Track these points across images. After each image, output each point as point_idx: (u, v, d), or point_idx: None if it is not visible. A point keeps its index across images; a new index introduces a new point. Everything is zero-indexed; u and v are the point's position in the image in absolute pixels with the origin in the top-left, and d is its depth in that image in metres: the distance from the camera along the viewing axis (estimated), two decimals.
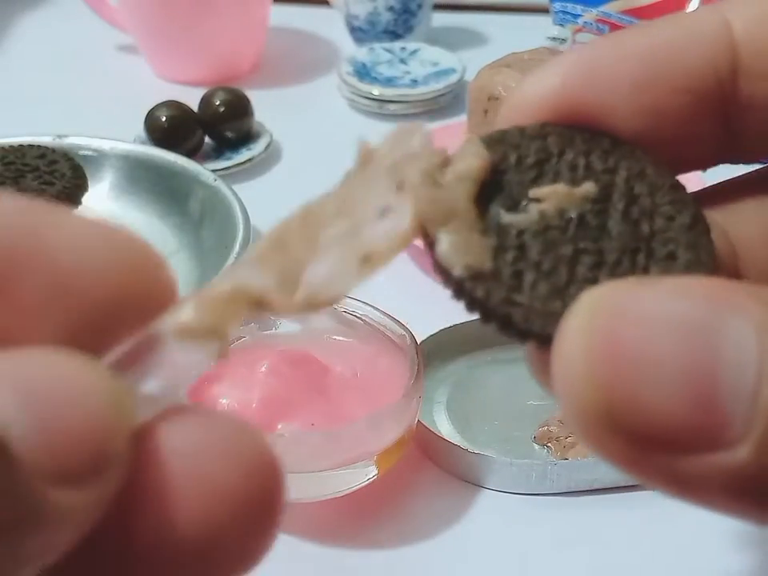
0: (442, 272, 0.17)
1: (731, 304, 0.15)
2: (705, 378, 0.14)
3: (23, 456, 0.13)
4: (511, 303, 0.17)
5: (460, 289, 0.17)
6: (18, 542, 0.13)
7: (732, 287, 0.15)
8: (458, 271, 0.17)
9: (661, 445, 0.14)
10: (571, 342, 0.15)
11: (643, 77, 0.19)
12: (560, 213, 0.18)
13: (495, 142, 0.19)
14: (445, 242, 0.17)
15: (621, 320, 0.15)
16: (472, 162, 0.18)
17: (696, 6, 0.69)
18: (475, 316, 0.17)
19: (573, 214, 0.18)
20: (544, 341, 0.16)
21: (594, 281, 0.17)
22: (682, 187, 0.19)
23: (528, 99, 0.19)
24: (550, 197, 0.18)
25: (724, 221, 0.19)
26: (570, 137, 0.19)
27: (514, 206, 0.18)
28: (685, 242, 0.18)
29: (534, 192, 0.18)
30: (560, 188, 0.18)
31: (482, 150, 0.18)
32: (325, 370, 0.42)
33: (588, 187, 0.18)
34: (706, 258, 0.18)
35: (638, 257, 0.18)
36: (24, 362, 0.13)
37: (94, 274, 0.15)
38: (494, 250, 0.17)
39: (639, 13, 0.71)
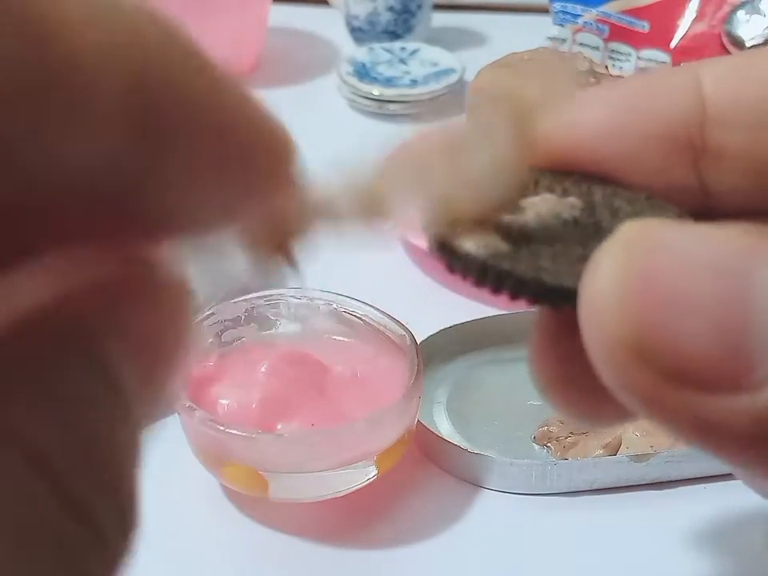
0: (463, 259, 0.18)
1: (765, 251, 0.15)
2: (735, 320, 0.14)
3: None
4: (538, 269, 0.17)
5: (484, 269, 0.18)
6: None
7: (766, 235, 0.15)
8: (481, 252, 0.17)
9: (685, 381, 0.14)
10: (604, 273, 0.15)
11: (616, 122, 0.20)
12: (555, 216, 0.19)
13: None
14: (463, 235, 0.18)
15: (657, 254, 0.15)
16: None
17: (695, 8, 0.69)
18: (502, 296, 0.18)
19: (567, 216, 0.19)
20: (576, 298, 0.16)
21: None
22: (656, 196, 0.20)
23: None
24: (543, 202, 0.19)
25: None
26: (543, 173, 0.20)
27: (511, 211, 0.19)
28: None
29: (526, 201, 0.19)
30: (549, 197, 0.19)
31: None
32: (325, 370, 0.42)
33: (573, 201, 0.19)
34: None
35: None
36: None
37: None
38: (505, 240, 0.18)
39: (639, 13, 0.71)
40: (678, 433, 0.15)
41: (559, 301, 0.17)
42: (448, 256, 0.18)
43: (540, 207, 0.19)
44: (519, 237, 0.18)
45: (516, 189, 0.19)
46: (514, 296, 0.18)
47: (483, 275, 0.18)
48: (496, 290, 0.18)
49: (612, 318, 0.15)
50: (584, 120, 0.20)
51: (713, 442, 0.15)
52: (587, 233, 0.18)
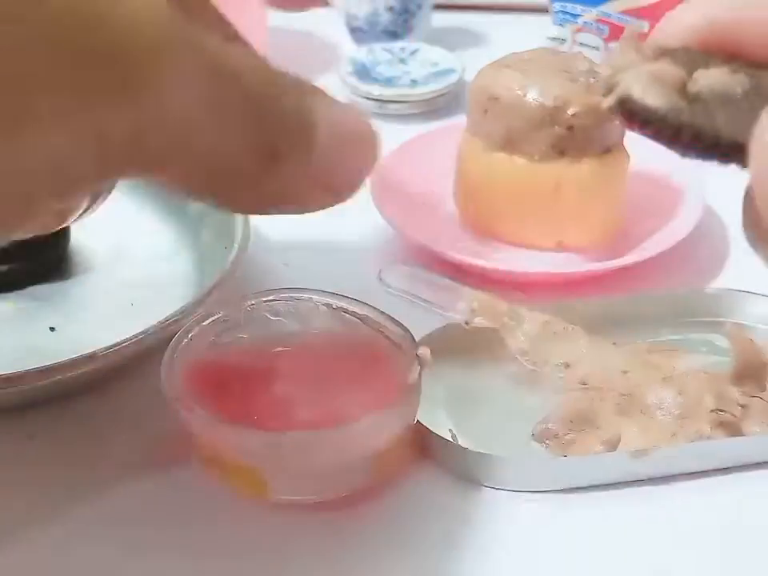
0: (645, 111, 0.21)
1: None
2: None
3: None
4: (713, 123, 0.20)
5: (664, 119, 0.21)
6: None
7: None
8: (662, 104, 0.21)
9: None
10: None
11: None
12: (726, 86, 0.21)
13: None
14: (644, 89, 0.21)
15: None
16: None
17: None
18: (677, 146, 0.21)
19: (737, 88, 0.21)
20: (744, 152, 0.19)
21: None
22: None
23: (679, 28, 0.24)
24: (715, 75, 0.22)
25: None
26: (713, 58, 0.23)
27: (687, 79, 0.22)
28: None
29: (700, 72, 0.22)
30: (720, 71, 0.22)
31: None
32: (324, 370, 0.42)
33: (742, 78, 0.21)
34: None
35: None
36: None
37: None
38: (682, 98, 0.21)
39: (639, 13, 0.71)
40: None
41: (729, 153, 0.19)
42: (630, 108, 0.21)
43: (712, 79, 0.21)
44: (694, 98, 0.21)
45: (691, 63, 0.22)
46: (688, 146, 0.20)
47: (662, 125, 0.21)
48: (673, 140, 0.21)
49: None
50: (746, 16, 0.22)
51: None
52: (755, 103, 0.20)
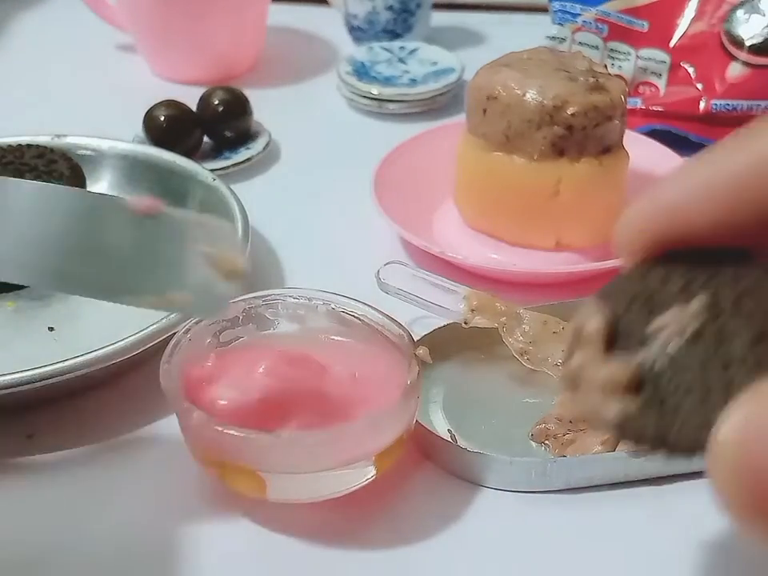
0: (609, 427, 0.20)
1: None
2: None
3: None
4: (672, 430, 0.19)
5: (623, 434, 0.20)
6: None
7: None
8: (612, 419, 0.19)
9: None
10: (721, 446, 0.17)
11: (712, 206, 0.21)
12: (680, 332, 0.20)
13: (607, 295, 0.22)
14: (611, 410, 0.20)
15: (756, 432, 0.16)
16: (591, 325, 0.21)
17: (694, 7, 0.69)
18: (642, 450, 0.20)
19: (690, 330, 0.20)
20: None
21: (728, 384, 0.19)
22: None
23: (624, 241, 0.24)
24: (671, 323, 0.20)
25: None
26: (664, 268, 0.21)
27: (641, 343, 0.19)
28: None
29: (655, 324, 0.20)
30: (676, 312, 0.20)
31: (596, 309, 0.21)
32: (323, 370, 0.42)
33: (699, 301, 0.20)
34: None
35: (762, 345, 0.19)
36: None
37: None
38: (635, 389, 0.19)
39: (638, 12, 0.71)
40: None
41: (691, 454, 0.18)
42: (597, 424, 0.20)
43: (667, 330, 0.20)
44: (649, 381, 0.19)
45: (636, 325, 0.20)
46: (652, 452, 0.19)
47: (626, 440, 0.20)
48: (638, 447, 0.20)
49: (730, 477, 0.17)
50: (677, 201, 0.21)
51: None
52: (710, 353, 0.19)
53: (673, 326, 0.20)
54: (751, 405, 0.17)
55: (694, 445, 0.18)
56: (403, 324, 0.43)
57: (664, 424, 0.19)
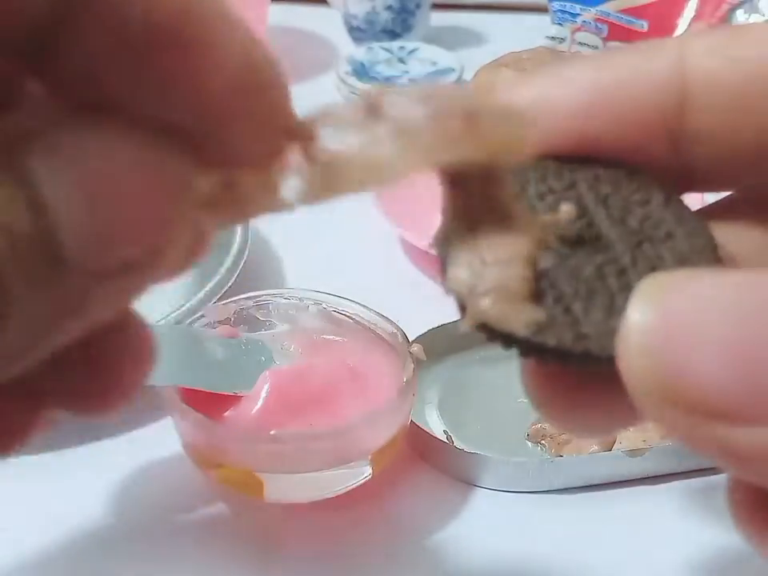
0: (505, 339, 0.18)
1: None
2: (751, 355, 0.15)
3: (70, 243, 0.13)
4: (581, 337, 0.18)
5: (529, 346, 0.18)
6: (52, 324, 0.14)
7: None
8: (522, 332, 0.18)
9: (711, 415, 0.15)
10: (631, 335, 0.16)
11: (594, 105, 0.20)
12: (560, 239, 0.19)
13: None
14: (496, 312, 0.18)
15: (675, 295, 0.16)
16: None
17: (694, 7, 0.69)
18: (553, 363, 0.18)
19: (570, 234, 0.19)
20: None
21: (628, 286, 0.18)
22: (636, 171, 0.20)
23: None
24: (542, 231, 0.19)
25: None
26: (525, 171, 0.20)
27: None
28: (671, 218, 0.19)
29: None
30: (546, 218, 0.19)
31: None
32: (318, 370, 0.42)
33: (566, 209, 0.19)
34: (699, 225, 0.19)
35: (644, 247, 0.19)
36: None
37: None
38: (534, 299, 0.18)
39: (638, 12, 0.71)
40: (716, 462, 0.16)
41: (603, 364, 0.17)
42: (490, 335, 0.18)
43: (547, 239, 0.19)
44: (545, 289, 0.18)
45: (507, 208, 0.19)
46: (564, 364, 0.18)
47: (528, 352, 0.18)
48: (543, 361, 0.18)
49: (638, 359, 0.16)
50: (561, 102, 0.20)
51: (744, 469, 0.16)
52: (599, 257, 0.19)
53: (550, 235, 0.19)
54: (651, 288, 0.16)
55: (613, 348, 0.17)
56: (398, 324, 0.43)
57: (580, 331, 0.17)
